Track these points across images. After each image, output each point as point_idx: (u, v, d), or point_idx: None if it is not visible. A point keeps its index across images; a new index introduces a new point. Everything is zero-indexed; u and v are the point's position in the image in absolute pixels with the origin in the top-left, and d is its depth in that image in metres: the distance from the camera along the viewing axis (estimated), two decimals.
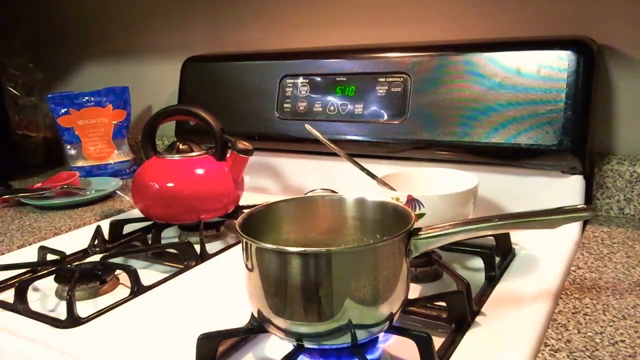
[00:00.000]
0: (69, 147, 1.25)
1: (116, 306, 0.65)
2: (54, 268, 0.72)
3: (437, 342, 0.52)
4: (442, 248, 0.70)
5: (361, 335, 0.48)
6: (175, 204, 0.82)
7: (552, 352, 0.50)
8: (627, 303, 0.58)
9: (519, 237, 0.78)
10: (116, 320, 0.62)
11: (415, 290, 0.66)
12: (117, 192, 1.11)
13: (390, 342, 0.54)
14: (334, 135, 0.92)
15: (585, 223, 0.82)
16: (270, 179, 1.07)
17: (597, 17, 0.83)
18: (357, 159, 0.75)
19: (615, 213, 0.85)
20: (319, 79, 0.97)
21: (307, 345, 0.48)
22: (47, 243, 0.86)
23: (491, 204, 0.86)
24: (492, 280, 0.66)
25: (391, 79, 0.90)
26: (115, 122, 1.26)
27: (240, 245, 0.55)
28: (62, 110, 1.24)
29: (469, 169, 0.82)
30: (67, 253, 0.79)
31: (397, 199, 0.69)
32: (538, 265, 0.69)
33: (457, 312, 0.56)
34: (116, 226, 0.87)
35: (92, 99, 1.25)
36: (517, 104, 0.79)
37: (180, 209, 0.83)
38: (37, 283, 0.72)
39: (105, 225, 0.87)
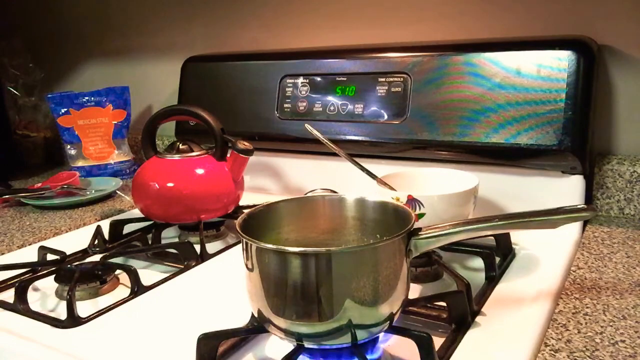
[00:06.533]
0: (69, 147, 1.25)
1: (116, 306, 0.65)
2: (54, 268, 0.72)
3: (437, 342, 0.52)
4: (442, 248, 0.70)
5: (361, 335, 0.48)
6: (175, 204, 0.82)
7: (552, 352, 0.50)
8: (627, 303, 0.58)
9: (519, 237, 0.78)
10: (116, 320, 0.62)
11: (415, 290, 0.66)
12: (117, 192, 1.11)
13: (391, 342, 0.54)
14: (334, 135, 0.92)
15: (585, 223, 0.82)
16: (270, 179, 1.07)
17: (597, 17, 0.83)
18: (357, 159, 0.75)
19: (615, 213, 0.85)
20: (319, 79, 0.97)
21: (307, 345, 0.48)
22: (47, 243, 0.86)
23: (491, 204, 0.86)
24: (492, 280, 0.66)
25: (391, 79, 0.90)
26: (115, 122, 1.26)
27: (240, 245, 0.55)
28: (62, 110, 1.24)
29: (469, 169, 0.82)
30: (67, 253, 0.79)
31: (397, 199, 0.69)
32: (538, 265, 0.69)
33: (457, 312, 0.56)
34: (116, 226, 0.87)
35: (92, 99, 1.25)
36: (517, 104, 0.79)
37: (180, 209, 0.83)
38: (37, 283, 0.72)
39: (105, 225, 0.87)
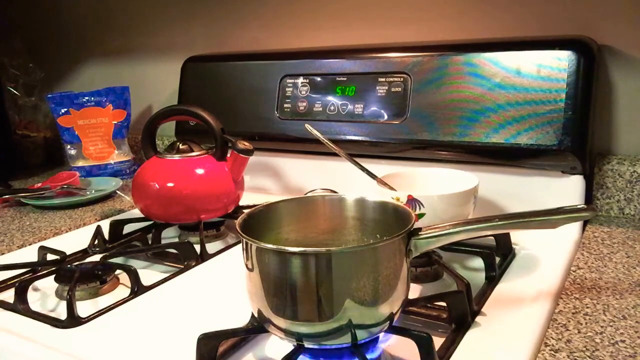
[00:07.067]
0: (69, 147, 1.25)
1: (116, 306, 0.65)
2: (54, 268, 0.72)
3: (437, 342, 0.52)
4: (442, 248, 0.70)
5: (361, 335, 0.48)
6: (175, 203, 0.82)
7: (552, 352, 0.50)
8: (627, 303, 0.58)
9: (519, 237, 0.78)
10: (116, 320, 0.62)
11: (415, 290, 0.66)
12: (117, 192, 1.11)
13: (391, 342, 0.54)
14: (334, 135, 0.92)
15: (585, 223, 0.82)
16: (270, 179, 1.07)
17: (597, 17, 0.83)
18: (357, 159, 0.75)
19: (615, 213, 0.85)
20: (319, 79, 0.97)
21: (307, 345, 0.48)
22: (47, 243, 0.86)
23: (491, 204, 0.86)
24: (492, 280, 0.66)
25: (391, 79, 0.90)
26: (115, 122, 1.26)
27: (240, 245, 0.55)
28: (62, 110, 1.24)
29: (469, 169, 0.82)
30: (67, 253, 0.79)
31: (397, 199, 0.69)
32: (538, 265, 0.70)
33: (457, 312, 0.56)
34: (116, 226, 0.87)
35: (92, 99, 1.25)
36: (517, 104, 0.79)
37: (180, 209, 0.83)
38: (37, 283, 0.72)
39: (105, 225, 0.87)
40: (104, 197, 1.09)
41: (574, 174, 0.80)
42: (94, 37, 1.41)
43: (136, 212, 0.96)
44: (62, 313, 0.64)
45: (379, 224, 0.57)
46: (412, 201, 0.69)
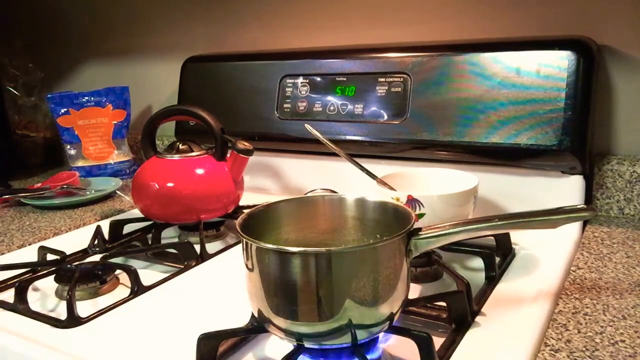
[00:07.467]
0: (68, 147, 1.25)
1: (116, 306, 0.65)
2: (54, 268, 0.72)
3: (437, 342, 0.52)
4: (442, 248, 0.70)
5: (361, 335, 0.48)
6: (175, 203, 0.82)
7: (552, 352, 0.50)
8: (627, 303, 0.58)
9: (519, 237, 0.78)
10: (116, 320, 0.62)
11: (415, 290, 0.66)
12: (117, 192, 1.11)
13: (391, 342, 0.54)
14: (334, 135, 0.92)
15: (585, 223, 0.82)
16: (270, 179, 1.07)
17: (597, 17, 0.83)
18: (357, 159, 0.75)
19: (615, 213, 0.85)
20: (319, 79, 0.97)
21: (307, 345, 0.48)
22: (47, 243, 0.86)
23: (491, 204, 0.86)
24: (492, 280, 0.66)
25: (391, 79, 0.90)
26: (115, 122, 1.26)
27: (240, 245, 0.55)
28: (62, 110, 1.24)
29: (469, 169, 0.82)
30: (67, 253, 0.79)
31: (397, 199, 0.69)
32: (538, 265, 0.70)
33: (457, 312, 0.56)
34: (116, 226, 0.87)
35: (92, 99, 1.25)
36: (517, 104, 0.79)
37: (180, 209, 0.83)
38: (37, 283, 0.72)
39: (105, 225, 0.87)
40: (104, 197, 1.09)
41: (574, 174, 0.80)
42: (94, 37, 1.41)
43: (136, 212, 0.96)
44: (62, 313, 0.64)
45: (379, 224, 0.57)
46: (412, 201, 0.69)
